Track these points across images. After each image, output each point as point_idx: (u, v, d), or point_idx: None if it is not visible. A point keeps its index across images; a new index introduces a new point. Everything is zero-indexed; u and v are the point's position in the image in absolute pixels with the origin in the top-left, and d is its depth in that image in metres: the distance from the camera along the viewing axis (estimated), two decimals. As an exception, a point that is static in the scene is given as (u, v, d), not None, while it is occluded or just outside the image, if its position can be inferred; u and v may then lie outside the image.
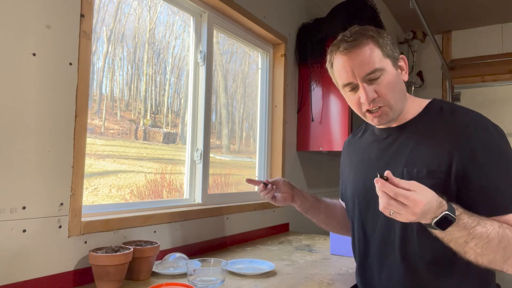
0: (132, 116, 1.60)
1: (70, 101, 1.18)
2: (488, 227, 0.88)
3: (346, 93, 1.09)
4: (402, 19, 4.17)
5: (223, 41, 2.10)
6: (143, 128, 1.64)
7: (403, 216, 0.84)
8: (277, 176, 2.32)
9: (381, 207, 0.86)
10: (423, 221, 0.86)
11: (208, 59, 1.87)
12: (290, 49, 2.44)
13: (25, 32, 1.07)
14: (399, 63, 1.08)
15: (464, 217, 0.87)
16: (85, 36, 1.22)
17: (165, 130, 1.74)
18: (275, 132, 2.36)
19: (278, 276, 1.35)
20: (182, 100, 1.83)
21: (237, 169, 2.22)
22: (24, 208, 1.06)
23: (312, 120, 2.44)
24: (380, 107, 1.04)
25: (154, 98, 1.69)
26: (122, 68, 1.55)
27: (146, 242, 1.32)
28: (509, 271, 0.91)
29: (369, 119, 1.09)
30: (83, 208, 1.22)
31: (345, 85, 1.06)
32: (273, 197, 1.31)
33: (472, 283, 1.02)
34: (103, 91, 1.47)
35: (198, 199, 1.80)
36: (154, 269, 1.31)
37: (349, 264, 1.52)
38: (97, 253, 1.15)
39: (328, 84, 2.38)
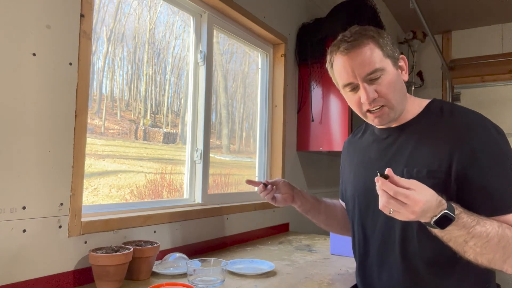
0: (132, 116, 1.60)
1: (70, 101, 1.18)
2: (488, 226, 0.88)
3: (347, 93, 1.09)
4: (402, 19, 4.17)
5: (223, 41, 2.10)
6: (143, 128, 1.64)
7: (403, 214, 0.85)
8: (277, 176, 2.32)
9: (380, 205, 0.86)
10: (423, 220, 0.86)
11: (208, 59, 1.87)
12: (290, 49, 2.44)
13: (25, 32, 1.07)
14: (399, 63, 1.08)
15: (463, 216, 0.87)
16: (85, 36, 1.22)
17: (165, 130, 1.74)
18: (275, 132, 2.36)
19: (278, 276, 1.35)
20: (182, 100, 1.83)
21: (237, 169, 2.22)
22: (24, 208, 1.06)
23: (312, 120, 2.44)
24: (380, 106, 1.04)
25: (154, 98, 1.69)
26: (122, 68, 1.55)
27: (146, 242, 1.32)
28: (509, 270, 0.91)
29: (370, 119, 1.09)
30: (83, 208, 1.22)
31: (346, 85, 1.06)
32: (273, 198, 1.31)
33: (472, 283, 1.02)
34: (103, 91, 1.47)
35: (198, 199, 1.80)
36: (154, 269, 1.31)
37: (349, 264, 1.52)
38: (97, 253, 1.15)
39: (328, 84, 2.38)
